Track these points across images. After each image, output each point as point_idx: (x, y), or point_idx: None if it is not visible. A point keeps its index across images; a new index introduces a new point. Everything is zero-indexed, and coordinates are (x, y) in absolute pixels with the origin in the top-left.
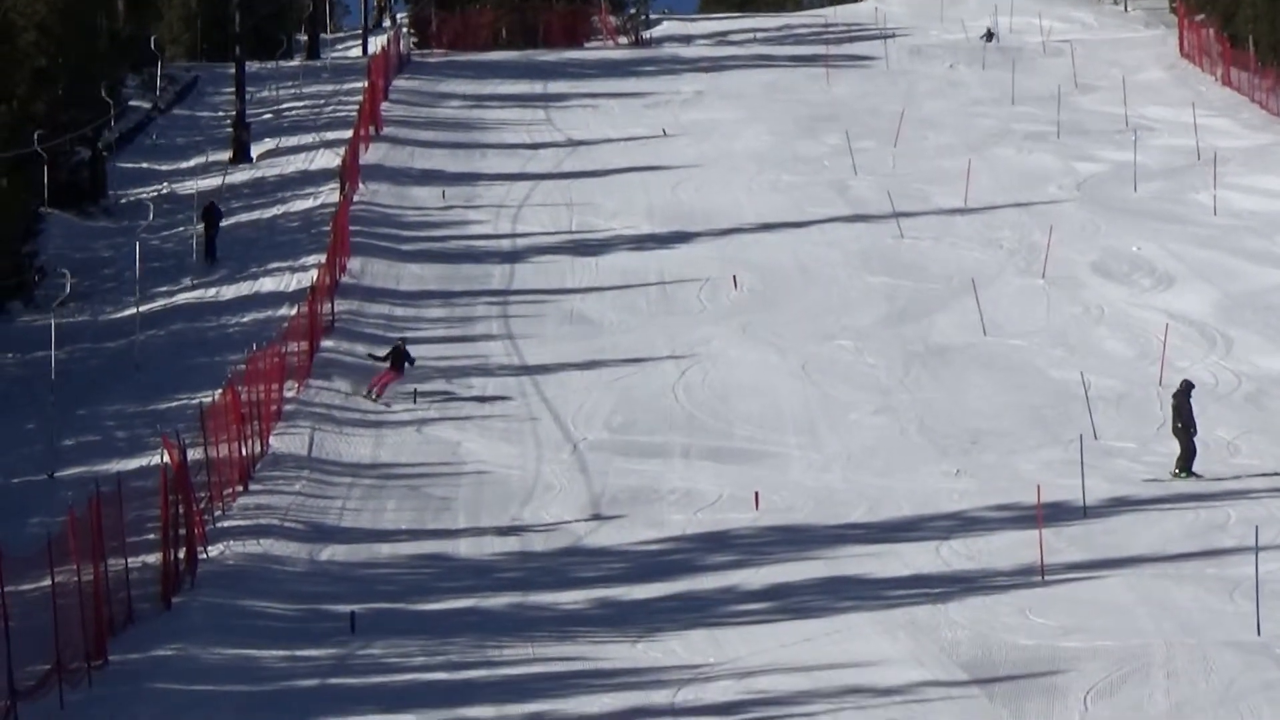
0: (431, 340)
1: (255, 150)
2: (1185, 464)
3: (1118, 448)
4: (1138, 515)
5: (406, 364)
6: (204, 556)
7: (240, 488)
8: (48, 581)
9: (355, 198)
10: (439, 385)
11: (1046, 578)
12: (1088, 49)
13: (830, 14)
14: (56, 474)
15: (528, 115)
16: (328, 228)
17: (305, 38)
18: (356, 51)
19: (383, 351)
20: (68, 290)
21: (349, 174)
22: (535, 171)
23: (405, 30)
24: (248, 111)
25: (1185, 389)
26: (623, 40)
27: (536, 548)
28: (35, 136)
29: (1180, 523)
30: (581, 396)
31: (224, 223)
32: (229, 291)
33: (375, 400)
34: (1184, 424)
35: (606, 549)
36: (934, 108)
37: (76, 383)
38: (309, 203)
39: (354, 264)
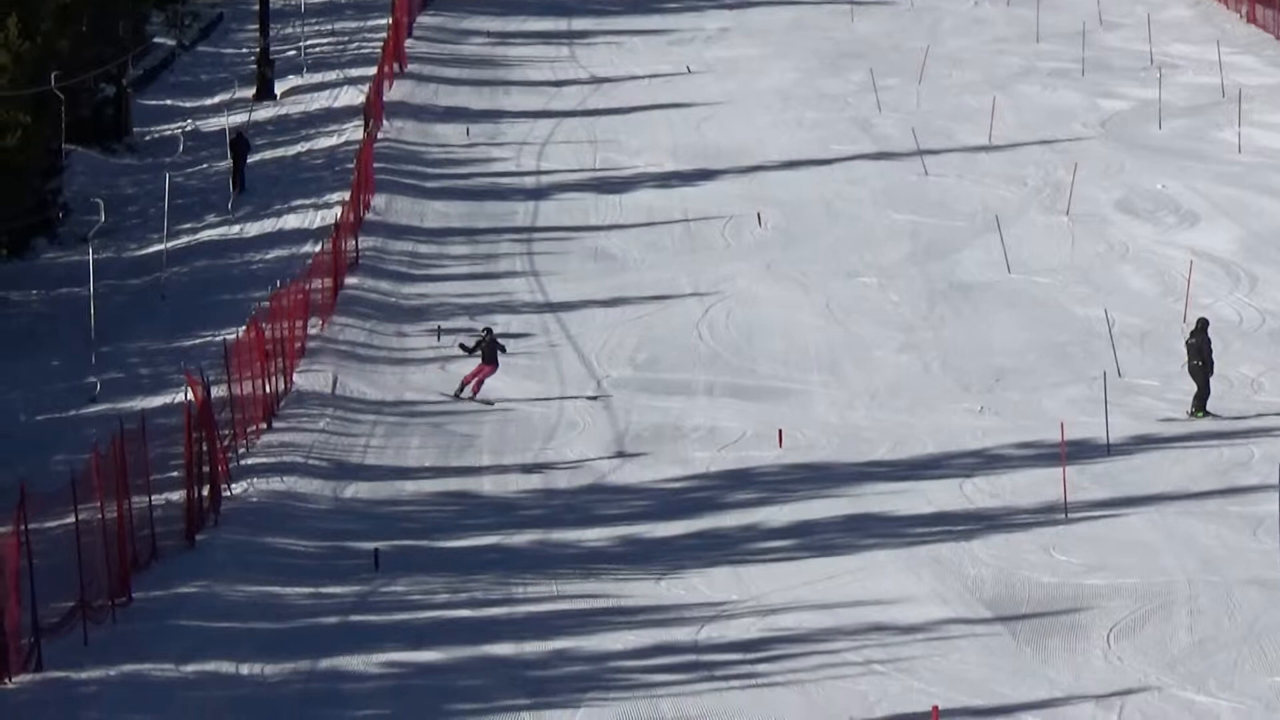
0: (455, 278)
1: (279, 87)
2: (1201, 403)
3: (1141, 385)
4: (1161, 453)
5: (500, 354)
6: (228, 494)
7: (264, 425)
8: (72, 519)
9: (379, 134)
10: (463, 323)
11: (1070, 515)
12: None
13: None
14: (96, 397)
15: (551, 52)
16: (352, 165)
17: None
18: None
19: (471, 341)
20: (102, 219)
21: (373, 111)
22: (559, 109)
23: None
24: (272, 48)
25: (1202, 327)
26: None
27: (560, 485)
28: (53, 76)
29: (1204, 460)
30: (605, 334)
31: (249, 159)
32: (253, 228)
33: (473, 399)
34: (1203, 362)
35: (630, 486)
36: (958, 45)
37: (101, 319)
38: (333, 140)
39: (378, 201)
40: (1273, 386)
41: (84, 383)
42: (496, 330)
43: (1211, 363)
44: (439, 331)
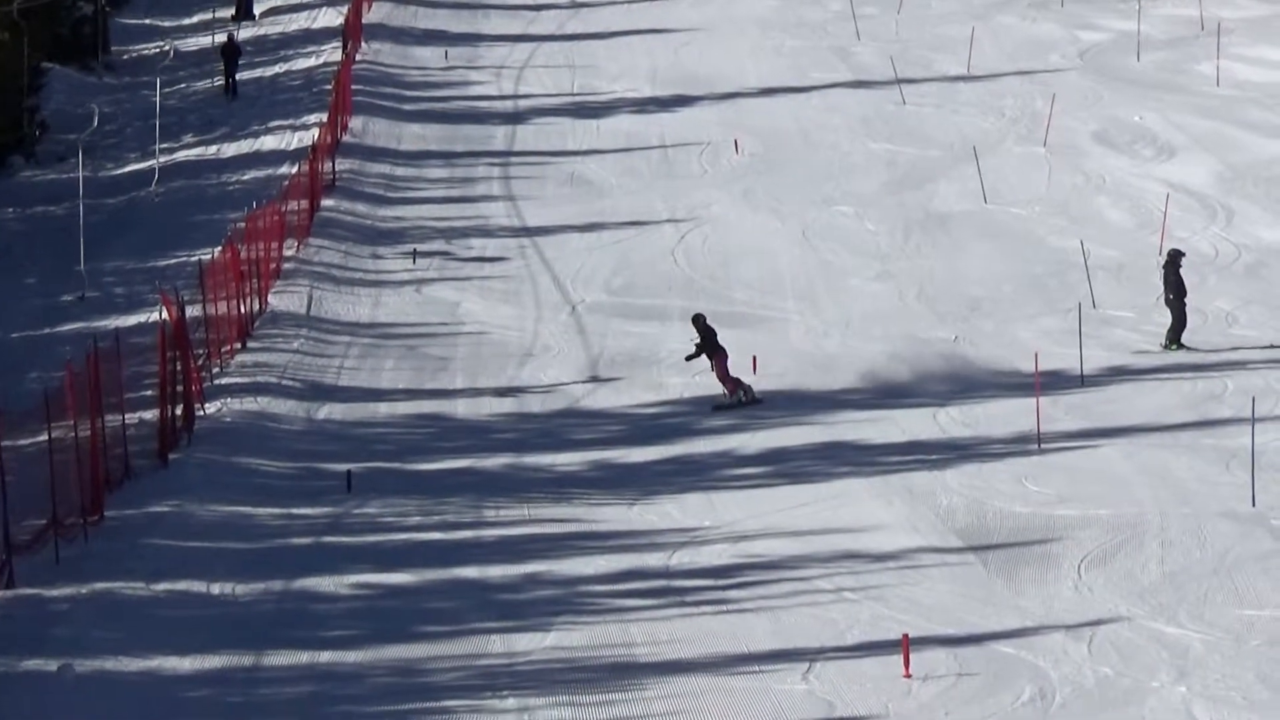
0: (432, 201)
1: (258, 7)
2: (1175, 335)
3: (1116, 317)
4: (1135, 385)
5: (716, 339)
6: (201, 414)
7: (238, 345)
8: (45, 436)
9: (358, 57)
10: (438, 245)
11: (1043, 446)
12: None
13: None
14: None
15: None
16: (330, 86)
17: None
18: None
19: (692, 349)
20: (95, 124)
21: (352, 33)
22: (538, 33)
23: None
24: None
25: (1174, 259)
26: None
27: (534, 409)
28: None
29: (1178, 393)
30: (581, 258)
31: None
32: (230, 149)
33: (750, 399)
34: (1175, 295)
35: (604, 411)
36: None
37: (76, 238)
38: (311, 61)
39: (355, 123)
40: (1247, 320)
41: (60, 301)
42: (472, 252)
43: (1184, 293)
44: (414, 254)
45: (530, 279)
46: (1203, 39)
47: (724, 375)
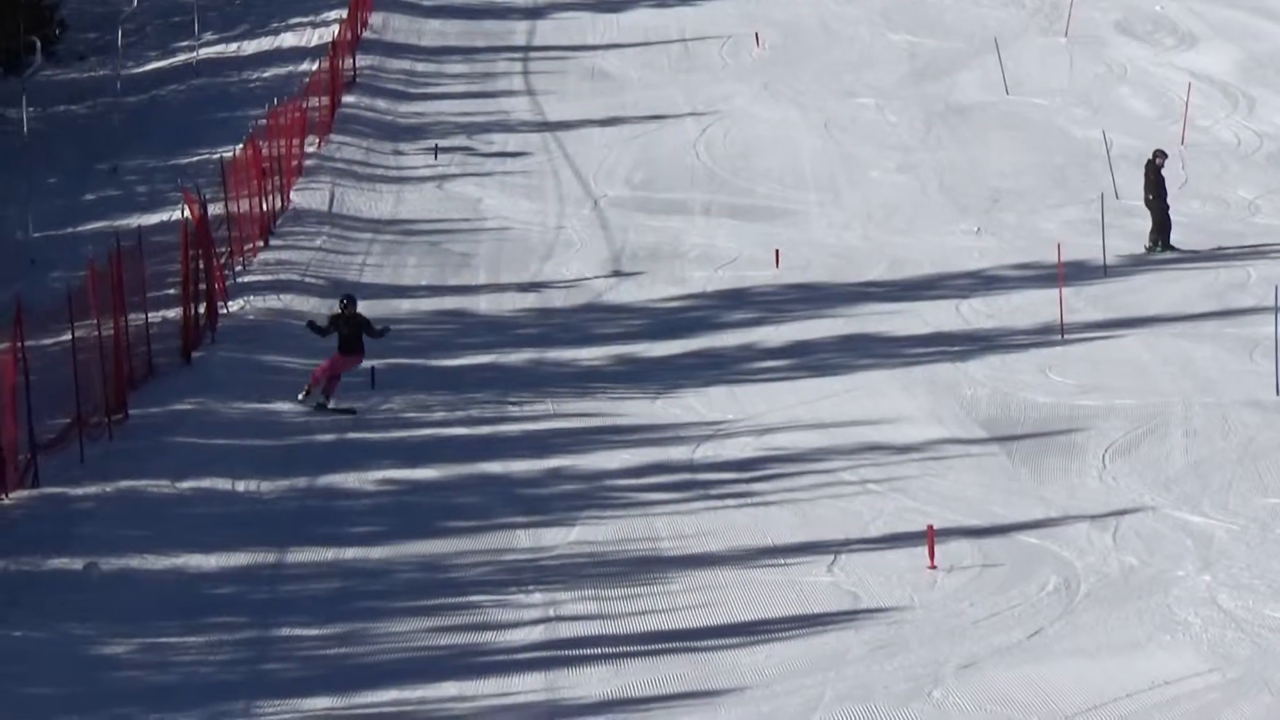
0: (452, 96)
1: None
2: (1161, 237)
3: (1138, 207)
4: (1158, 274)
5: (367, 337)
6: (224, 311)
7: (261, 243)
8: (68, 336)
9: None
10: (460, 141)
11: (1066, 336)
12: None
13: None
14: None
15: None
16: None
17: None
18: None
19: (322, 321)
20: (135, 3)
21: None
22: None
23: None
24: None
25: (1151, 159)
26: None
27: (556, 304)
28: None
29: (1200, 282)
30: (602, 153)
31: None
32: (250, 46)
33: (321, 402)
34: (1155, 195)
35: (626, 305)
36: None
37: (97, 137)
38: None
39: (376, 19)
40: (1270, 209)
41: (82, 199)
42: (493, 147)
43: (1164, 194)
44: (436, 150)
45: (552, 174)
46: None
47: (324, 372)
